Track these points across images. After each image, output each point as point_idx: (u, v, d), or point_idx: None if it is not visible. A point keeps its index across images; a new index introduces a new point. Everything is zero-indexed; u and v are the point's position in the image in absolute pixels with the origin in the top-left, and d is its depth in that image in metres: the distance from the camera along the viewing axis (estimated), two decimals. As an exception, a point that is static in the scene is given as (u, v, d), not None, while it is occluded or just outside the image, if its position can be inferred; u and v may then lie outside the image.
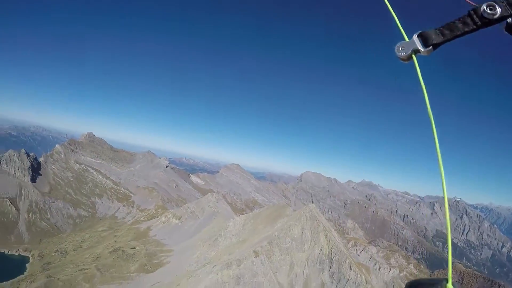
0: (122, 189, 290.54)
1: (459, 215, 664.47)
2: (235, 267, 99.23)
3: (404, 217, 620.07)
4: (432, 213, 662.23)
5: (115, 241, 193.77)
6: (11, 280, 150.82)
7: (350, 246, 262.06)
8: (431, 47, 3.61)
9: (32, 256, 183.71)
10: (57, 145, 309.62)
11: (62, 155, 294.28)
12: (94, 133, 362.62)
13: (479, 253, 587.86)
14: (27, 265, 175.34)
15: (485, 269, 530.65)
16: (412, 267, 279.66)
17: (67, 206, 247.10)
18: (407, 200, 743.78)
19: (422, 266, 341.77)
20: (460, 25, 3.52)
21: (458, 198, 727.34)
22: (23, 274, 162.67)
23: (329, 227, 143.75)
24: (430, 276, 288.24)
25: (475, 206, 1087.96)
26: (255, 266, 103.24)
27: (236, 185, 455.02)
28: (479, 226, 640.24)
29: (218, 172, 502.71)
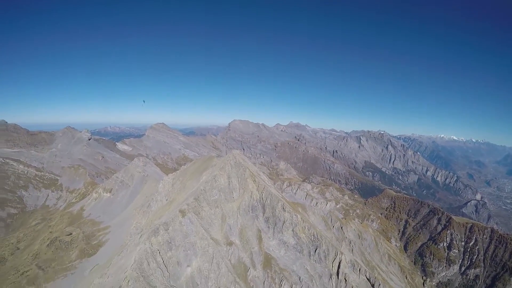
0: (47, 174, 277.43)
1: (384, 146, 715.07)
2: (163, 232, 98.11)
3: (333, 153, 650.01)
4: (359, 146, 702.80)
5: (50, 232, 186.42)
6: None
7: (285, 186, 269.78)
8: None
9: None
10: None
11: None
12: (6, 120, 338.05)
13: (406, 178, 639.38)
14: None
15: (413, 192, 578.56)
16: (347, 198, 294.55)
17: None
18: (335, 137, 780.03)
19: (356, 196, 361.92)
20: None
21: (382, 131, 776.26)
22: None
23: (257, 171, 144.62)
24: (365, 203, 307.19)
25: (398, 137, 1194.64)
26: (184, 226, 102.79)
27: (165, 144, 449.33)
28: (404, 155, 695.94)
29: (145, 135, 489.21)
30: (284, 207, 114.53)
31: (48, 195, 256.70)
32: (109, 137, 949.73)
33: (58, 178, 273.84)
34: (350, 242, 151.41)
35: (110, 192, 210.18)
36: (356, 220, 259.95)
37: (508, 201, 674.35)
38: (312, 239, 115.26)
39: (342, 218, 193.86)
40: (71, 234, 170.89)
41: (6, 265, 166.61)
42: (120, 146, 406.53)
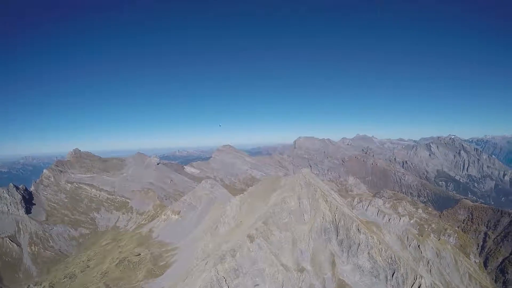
0: (118, 197, 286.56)
1: (457, 152, 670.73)
2: (230, 259, 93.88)
3: (403, 164, 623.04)
4: (430, 155, 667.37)
5: (119, 252, 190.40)
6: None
7: (356, 203, 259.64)
8: None
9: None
10: (44, 170, 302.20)
11: (52, 179, 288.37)
12: (80, 149, 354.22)
13: (482, 186, 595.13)
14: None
15: (491, 200, 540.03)
16: (421, 212, 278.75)
17: (67, 229, 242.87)
18: (404, 146, 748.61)
19: (430, 209, 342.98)
20: None
21: (453, 135, 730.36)
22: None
23: (328, 190, 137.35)
24: (440, 216, 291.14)
25: (470, 140, 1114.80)
26: (253, 252, 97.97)
27: (231, 165, 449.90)
28: (478, 159, 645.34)
29: (212, 157, 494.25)
30: (359, 228, 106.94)
31: (119, 217, 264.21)
32: (178, 161, 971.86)
33: (129, 200, 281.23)
34: (428, 262, 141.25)
35: (178, 214, 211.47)
36: (432, 235, 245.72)
37: None
38: (390, 262, 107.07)
39: (417, 234, 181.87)
40: (139, 254, 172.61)
41: (75, 282, 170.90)
42: (188, 169, 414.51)
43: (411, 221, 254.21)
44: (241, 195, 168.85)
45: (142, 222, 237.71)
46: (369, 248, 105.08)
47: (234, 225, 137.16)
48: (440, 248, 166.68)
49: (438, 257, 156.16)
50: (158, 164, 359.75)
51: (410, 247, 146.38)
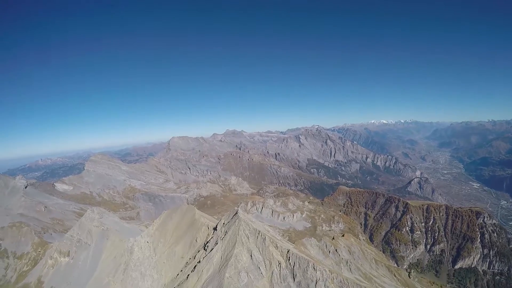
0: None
1: (323, 141, 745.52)
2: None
3: (276, 156, 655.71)
4: (300, 145, 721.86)
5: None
6: None
7: (250, 207, 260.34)
8: None
9: None
10: None
11: None
12: None
13: (349, 168, 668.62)
14: None
15: (358, 180, 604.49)
16: (308, 204, 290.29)
17: None
18: (274, 139, 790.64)
19: (311, 197, 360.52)
20: None
21: (317, 125, 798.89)
22: None
23: (272, 235, 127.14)
24: (322, 204, 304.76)
25: (332, 129, 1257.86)
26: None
27: (107, 177, 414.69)
28: (343, 146, 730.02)
29: (79, 163, 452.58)
30: (315, 266, 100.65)
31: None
32: (42, 172, 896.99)
33: (1, 242, 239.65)
34: (347, 262, 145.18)
35: (67, 255, 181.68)
36: (324, 226, 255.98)
37: (445, 172, 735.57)
38: (340, 285, 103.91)
39: (330, 238, 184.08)
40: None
41: None
42: (59, 186, 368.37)
43: (303, 215, 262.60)
44: (146, 230, 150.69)
45: (25, 269, 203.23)
46: (324, 281, 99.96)
47: (157, 276, 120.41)
48: (349, 244, 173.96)
49: (350, 253, 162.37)
50: (25, 187, 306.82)
51: (330, 253, 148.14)
